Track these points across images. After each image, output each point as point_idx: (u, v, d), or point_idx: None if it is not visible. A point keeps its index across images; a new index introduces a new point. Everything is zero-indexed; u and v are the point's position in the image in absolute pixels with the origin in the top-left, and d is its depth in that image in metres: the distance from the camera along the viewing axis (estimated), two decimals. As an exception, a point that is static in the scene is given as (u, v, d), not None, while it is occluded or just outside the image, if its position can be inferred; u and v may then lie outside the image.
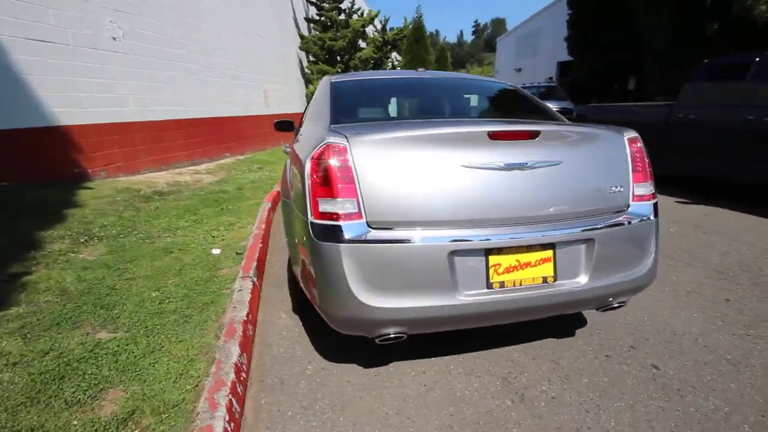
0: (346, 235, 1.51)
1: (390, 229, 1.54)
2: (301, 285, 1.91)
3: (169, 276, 2.84)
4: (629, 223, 1.77)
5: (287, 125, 4.25)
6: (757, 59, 4.51)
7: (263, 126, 10.05)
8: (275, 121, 4.28)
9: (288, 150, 2.76)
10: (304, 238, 1.64)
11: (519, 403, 1.71)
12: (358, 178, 1.54)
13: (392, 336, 1.59)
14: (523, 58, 23.37)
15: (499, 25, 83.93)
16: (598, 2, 9.97)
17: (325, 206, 1.54)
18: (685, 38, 7.34)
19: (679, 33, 7.42)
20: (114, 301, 2.39)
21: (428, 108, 2.44)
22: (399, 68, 19.12)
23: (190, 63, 7.37)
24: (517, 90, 2.53)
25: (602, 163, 1.79)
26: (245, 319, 2.14)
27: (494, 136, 1.60)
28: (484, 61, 73.52)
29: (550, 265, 1.65)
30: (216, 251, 3.38)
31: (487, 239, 1.56)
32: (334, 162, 1.55)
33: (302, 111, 13.75)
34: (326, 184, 1.55)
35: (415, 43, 28.00)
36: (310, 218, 1.56)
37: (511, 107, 2.37)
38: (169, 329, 2.12)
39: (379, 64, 14.80)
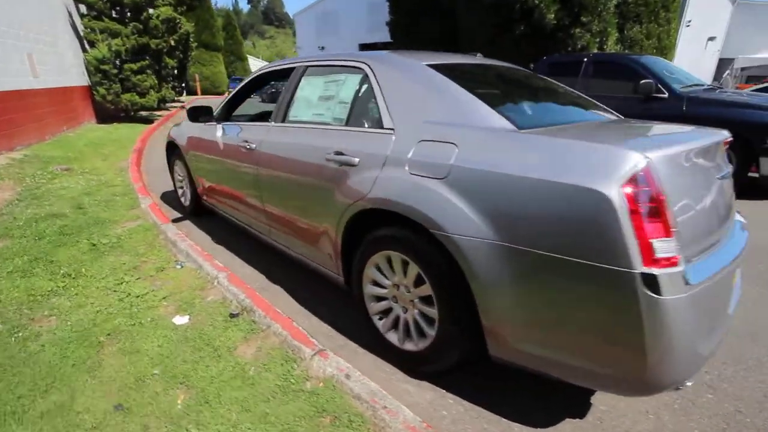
0: (689, 281, 1.18)
1: (690, 261, 1.29)
2: (558, 350, 1.39)
3: (165, 388, 1.65)
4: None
5: (207, 112, 3.05)
6: (585, 59, 5.86)
7: (36, 105, 6.86)
8: (190, 107, 3.01)
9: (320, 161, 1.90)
10: (614, 296, 1.18)
11: (715, 390, 1.79)
12: (670, 206, 1.21)
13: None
14: (324, 37, 23.44)
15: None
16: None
17: (661, 248, 1.14)
18: (498, 36, 8.86)
19: (494, 31, 8.91)
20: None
21: (554, 108, 2.07)
22: (192, 34, 16.07)
23: None
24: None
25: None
26: (417, 425, 1.45)
27: (725, 143, 1.54)
28: (266, 34, 70.42)
29: (734, 261, 1.75)
30: (182, 320, 2.16)
31: (734, 251, 1.52)
32: (659, 188, 1.16)
33: (85, 84, 10.37)
34: (658, 219, 1.15)
35: (197, 4, 24.29)
36: (640, 269, 1.13)
37: (592, 104, 2.28)
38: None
39: (177, 28, 12.12)
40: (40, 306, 2.23)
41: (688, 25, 12.67)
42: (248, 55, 34.77)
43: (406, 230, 1.68)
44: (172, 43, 11.40)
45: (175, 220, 3.84)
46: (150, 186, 4.93)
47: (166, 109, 13.54)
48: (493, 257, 1.39)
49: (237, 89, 3.05)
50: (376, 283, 1.92)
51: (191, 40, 14.67)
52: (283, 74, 2.68)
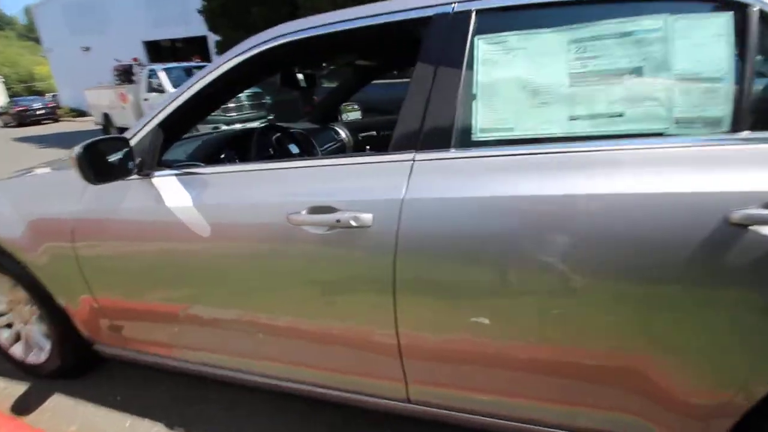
0: None
1: None
2: None
3: None
4: None
5: (122, 159, 1.26)
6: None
7: None
8: (83, 148, 1.14)
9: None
10: None
11: None
12: None
13: None
14: (87, 35, 17.86)
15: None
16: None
17: None
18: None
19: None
20: None
21: None
22: None
23: None
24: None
25: None
26: None
27: None
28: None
29: None
30: None
31: None
32: None
33: None
34: None
35: None
36: None
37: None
38: None
39: None
40: None
41: None
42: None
43: None
44: None
45: (15, 408, 1.67)
46: None
47: None
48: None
49: (180, 92, 1.30)
50: None
51: None
52: (358, 38, 1.21)
